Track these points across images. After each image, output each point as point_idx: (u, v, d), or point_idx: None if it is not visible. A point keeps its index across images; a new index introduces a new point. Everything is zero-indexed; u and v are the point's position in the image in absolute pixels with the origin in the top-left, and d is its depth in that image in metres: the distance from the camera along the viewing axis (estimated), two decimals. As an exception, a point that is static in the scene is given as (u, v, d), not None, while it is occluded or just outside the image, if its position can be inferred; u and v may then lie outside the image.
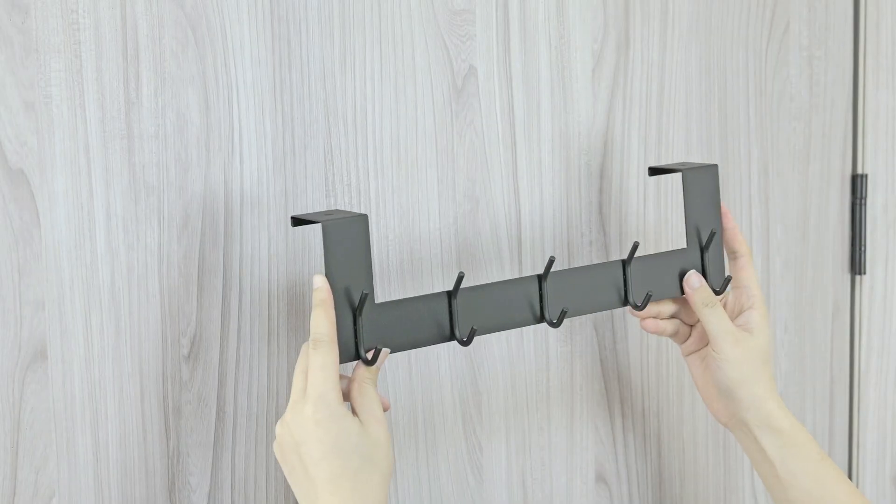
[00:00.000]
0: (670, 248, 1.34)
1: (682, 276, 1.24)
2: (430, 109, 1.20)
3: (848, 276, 1.53)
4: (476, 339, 1.20)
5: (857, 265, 1.53)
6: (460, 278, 1.10)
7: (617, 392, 1.35)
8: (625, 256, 1.22)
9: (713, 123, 1.40)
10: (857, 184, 1.52)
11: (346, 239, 1.05)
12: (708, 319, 1.23)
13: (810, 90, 1.47)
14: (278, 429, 1.04)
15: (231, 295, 1.11)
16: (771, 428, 1.22)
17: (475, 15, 1.22)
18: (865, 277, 1.53)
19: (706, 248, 1.25)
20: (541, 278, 1.16)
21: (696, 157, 1.38)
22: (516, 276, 1.26)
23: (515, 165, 1.26)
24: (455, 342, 1.13)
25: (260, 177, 1.12)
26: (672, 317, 1.27)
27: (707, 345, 1.25)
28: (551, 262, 1.15)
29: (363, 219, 1.06)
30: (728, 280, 1.25)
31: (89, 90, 1.04)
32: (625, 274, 1.21)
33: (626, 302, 1.22)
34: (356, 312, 1.06)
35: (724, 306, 1.26)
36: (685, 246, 1.25)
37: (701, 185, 1.25)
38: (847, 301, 1.54)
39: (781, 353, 1.50)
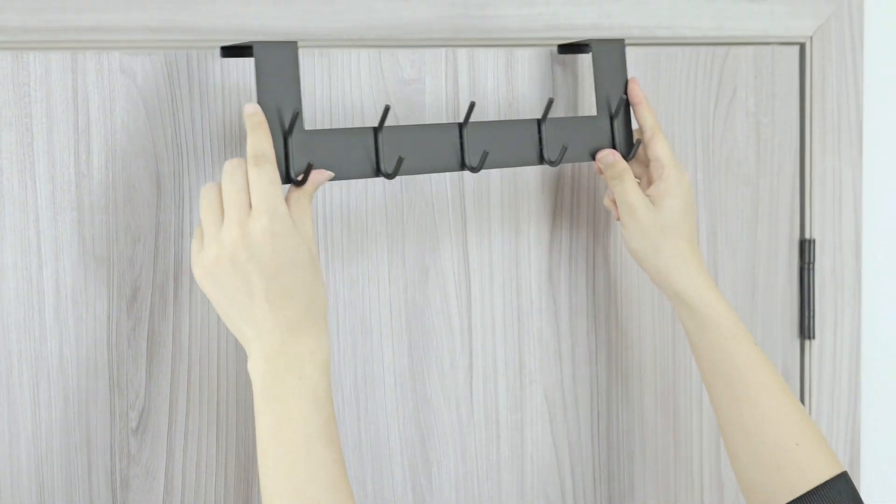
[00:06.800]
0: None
1: (593, 150, 1.27)
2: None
3: (797, 341, 1.55)
4: (425, 405, 1.20)
5: (806, 330, 1.54)
6: (386, 110, 1.11)
7: (567, 460, 1.35)
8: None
9: (662, 190, 1.41)
10: (805, 248, 1.53)
11: (277, 62, 1.06)
12: (615, 191, 1.26)
13: (757, 155, 1.49)
14: (213, 249, 1.00)
15: (180, 367, 1.11)
16: (682, 301, 1.24)
17: (424, 84, 1.23)
18: (815, 342, 1.54)
19: (615, 115, 1.28)
20: (461, 126, 1.18)
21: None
22: (467, 348, 1.26)
23: (465, 232, 1.26)
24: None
25: (210, 247, 1.12)
26: None
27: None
28: (471, 107, 1.17)
29: (293, 45, 1.07)
30: (637, 144, 1.28)
31: (40, 162, 1.04)
32: (540, 131, 1.23)
33: (542, 158, 1.24)
34: (287, 133, 1.06)
35: (640, 179, 1.29)
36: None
37: (609, 58, 1.29)
38: (797, 365, 1.55)
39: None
